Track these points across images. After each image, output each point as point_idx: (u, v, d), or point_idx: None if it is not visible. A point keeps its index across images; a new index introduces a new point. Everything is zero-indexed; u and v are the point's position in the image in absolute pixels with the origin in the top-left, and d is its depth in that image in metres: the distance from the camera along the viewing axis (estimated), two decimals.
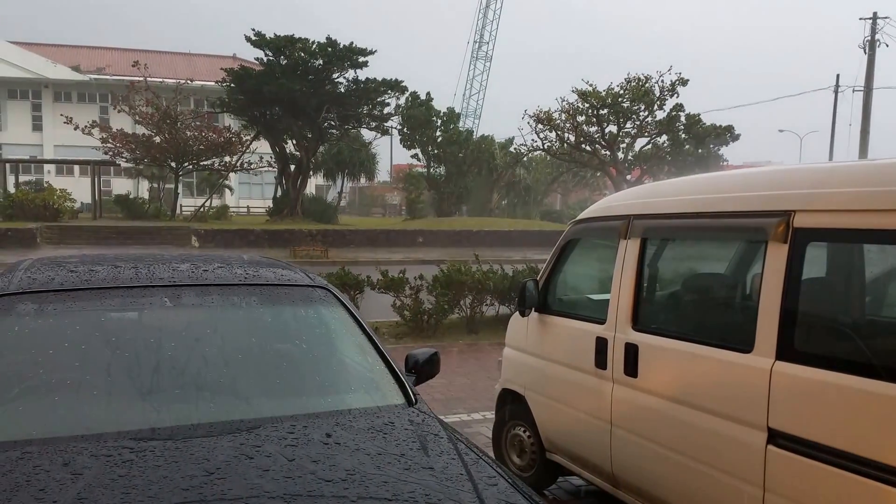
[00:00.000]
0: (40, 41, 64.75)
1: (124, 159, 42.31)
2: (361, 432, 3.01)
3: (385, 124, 43.13)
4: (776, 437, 3.49)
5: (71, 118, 40.98)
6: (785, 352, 3.48)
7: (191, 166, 42.83)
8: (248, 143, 42.23)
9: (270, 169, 44.04)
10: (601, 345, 4.72)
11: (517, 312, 5.81)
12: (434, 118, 46.55)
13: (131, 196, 45.15)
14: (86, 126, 39.84)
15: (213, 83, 45.22)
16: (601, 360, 4.72)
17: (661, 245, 4.73)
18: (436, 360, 4.08)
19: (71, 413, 3.03)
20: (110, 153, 41.33)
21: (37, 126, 61.27)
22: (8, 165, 44.68)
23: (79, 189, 44.49)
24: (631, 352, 4.45)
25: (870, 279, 3.78)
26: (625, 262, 4.65)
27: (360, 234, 34.89)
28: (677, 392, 4.11)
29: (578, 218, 5.41)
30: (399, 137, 47.00)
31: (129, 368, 3.30)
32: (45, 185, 43.57)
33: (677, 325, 4.58)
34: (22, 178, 45.66)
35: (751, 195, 3.86)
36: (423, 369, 4.01)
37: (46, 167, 55.34)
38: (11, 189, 39.60)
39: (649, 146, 40.67)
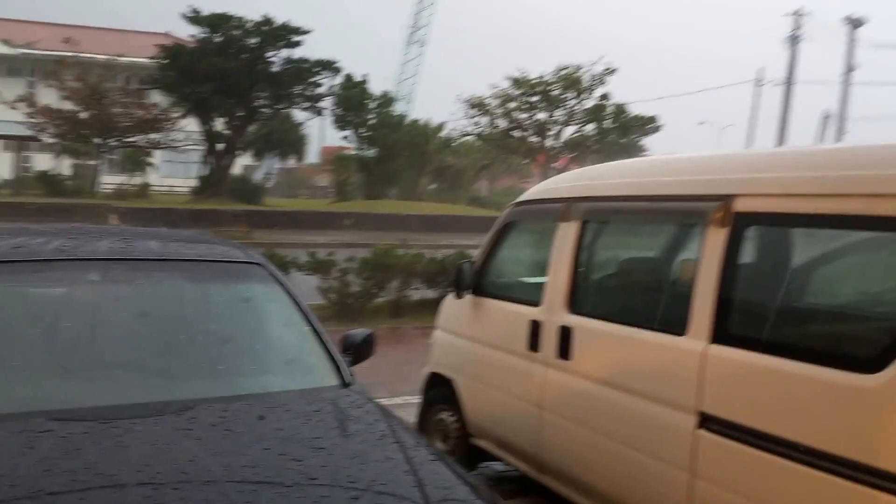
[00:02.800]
0: None
1: (49, 135, 40.93)
2: (296, 414, 2.92)
3: (318, 105, 42.59)
4: (706, 421, 3.42)
5: None
6: (719, 335, 3.42)
7: (116, 143, 41.65)
8: (176, 120, 41.24)
9: (197, 147, 43.08)
10: (535, 328, 4.60)
11: (451, 295, 5.64)
12: (368, 101, 46.11)
13: (53, 173, 43.64)
14: (11, 101, 38.35)
15: (144, 59, 44.02)
16: (534, 342, 4.60)
17: (600, 228, 4.64)
18: (371, 341, 3.97)
19: None
20: (36, 128, 39.92)
21: None
22: None
23: None
24: (565, 335, 4.35)
25: (805, 264, 3.77)
26: (563, 245, 4.54)
27: (287, 216, 34.31)
28: (610, 375, 4.04)
29: (518, 200, 5.29)
30: (332, 119, 46.37)
31: (53, 346, 3.15)
32: None
33: (613, 308, 4.51)
34: None
35: (691, 179, 3.79)
36: (359, 350, 3.89)
37: None
38: None
39: (577, 134, 40.96)
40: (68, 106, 39.84)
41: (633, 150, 40.71)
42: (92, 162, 44.66)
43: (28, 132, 40.62)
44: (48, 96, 44.71)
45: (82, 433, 2.53)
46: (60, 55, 42.17)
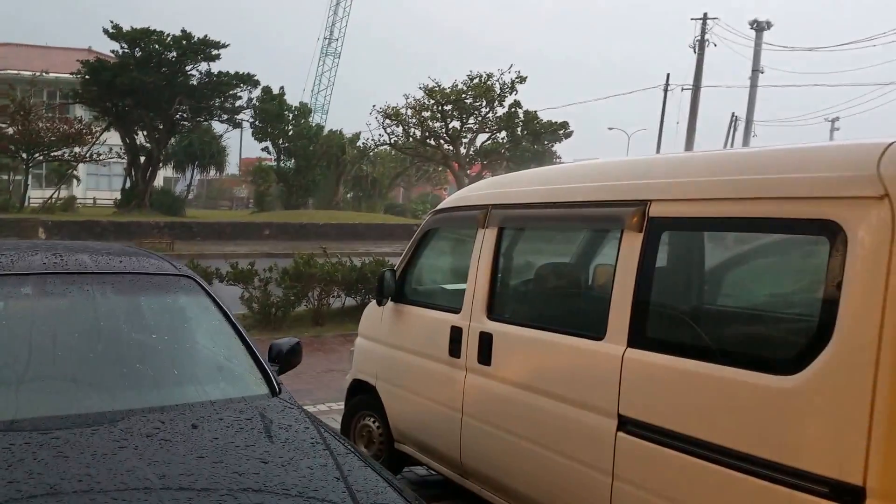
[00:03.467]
0: None
1: None
2: (228, 423, 2.88)
3: (237, 117, 42.07)
4: (626, 424, 3.32)
5: None
6: (636, 339, 3.31)
7: (41, 157, 40.26)
8: (99, 134, 40.06)
9: (120, 160, 41.95)
10: (455, 334, 4.45)
11: (373, 302, 5.47)
12: (286, 112, 45.52)
13: None
14: None
15: (67, 75, 42.68)
16: (455, 348, 4.45)
17: (518, 234, 4.52)
18: (298, 350, 3.90)
19: None
20: None
21: None
22: None
23: None
24: (485, 340, 4.21)
25: (719, 267, 3.72)
26: (482, 252, 4.41)
27: (208, 227, 33.55)
28: (530, 380, 3.91)
29: (438, 207, 5.14)
30: (251, 131, 45.64)
31: None
32: None
33: (532, 313, 4.39)
34: None
35: (607, 185, 3.68)
36: (287, 359, 3.82)
37: None
38: None
39: (490, 142, 41.11)
40: None
41: (546, 157, 41.14)
42: (18, 177, 43.10)
43: None
44: None
45: (22, 444, 2.48)
46: None
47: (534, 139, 40.43)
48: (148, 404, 2.97)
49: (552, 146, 43.21)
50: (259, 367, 3.43)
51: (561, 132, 41.18)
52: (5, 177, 46.06)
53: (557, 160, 42.34)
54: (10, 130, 37.52)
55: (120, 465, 2.40)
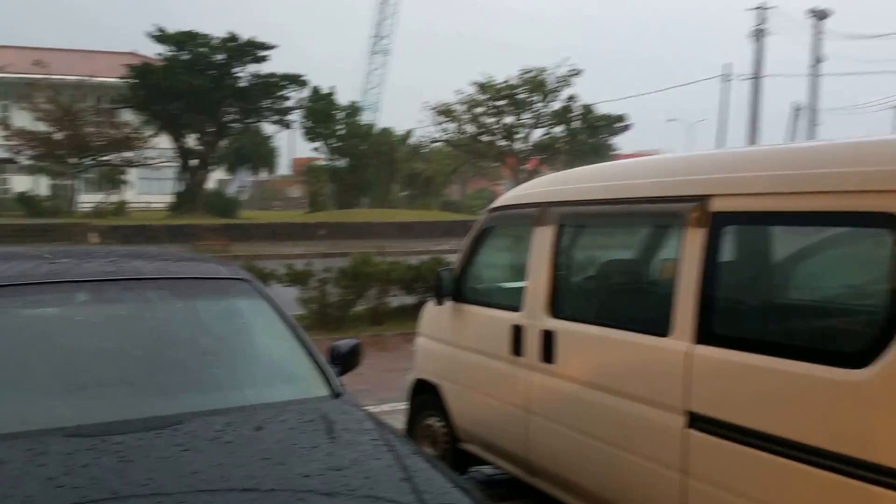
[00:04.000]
0: None
1: (25, 157, 40.50)
2: (290, 425, 2.93)
3: (286, 118, 42.50)
4: (696, 421, 3.36)
5: None
6: (702, 335, 3.35)
7: (91, 162, 41.30)
8: (149, 138, 40.93)
9: (171, 164, 42.81)
10: (517, 332, 4.53)
11: (432, 302, 5.57)
12: (336, 112, 45.92)
13: (31, 194, 43.12)
14: None
15: (113, 79, 43.71)
16: (517, 347, 4.53)
17: (576, 232, 4.57)
18: (359, 351, 3.95)
19: (3, 411, 2.90)
20: (12, 151, 39.54)
21: None
22: None
23: None
24: (547, 338, 4.28)
25: (786, 261, 3.73)
26: (540, 250, 4.47)
27: (262, 228, 34.11)
28: (595, 377, 3.97)
29: (493, 206, 5.22)
30: (302, 131, 46.14)
31: (54, 366, 3.18)
32: None
33: (593, 310, 4.44)
34: None
35: (667, 181, 3.73)
36: (347, 360, 3.88)
37: None
38: None
39: (546, 136, 40.94)
40: (42, 127, 39.61)
41: (603, 150, 40.82)
42: (68, 182, 44.28)
43: (4, 154, 40.18)
44: (22, 119, 44.33)
45: (86, 449, 2.55)
46: (31, 78, 41.81)
47: (590, 133, 40.11)
48: (210, 407, 3.03)
49: (610, 139, 42.85)
50: (319, 368, 3.47)
51: (618, 125, 40.78)
52: (56, 182, 47.47)
53: (615, 154, 42.02)
54: (59, 136, 38.53)
55: (184, 468, 2.46)
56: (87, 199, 45.31)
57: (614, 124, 40.61)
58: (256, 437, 2.79)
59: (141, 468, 2.43)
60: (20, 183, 51.93)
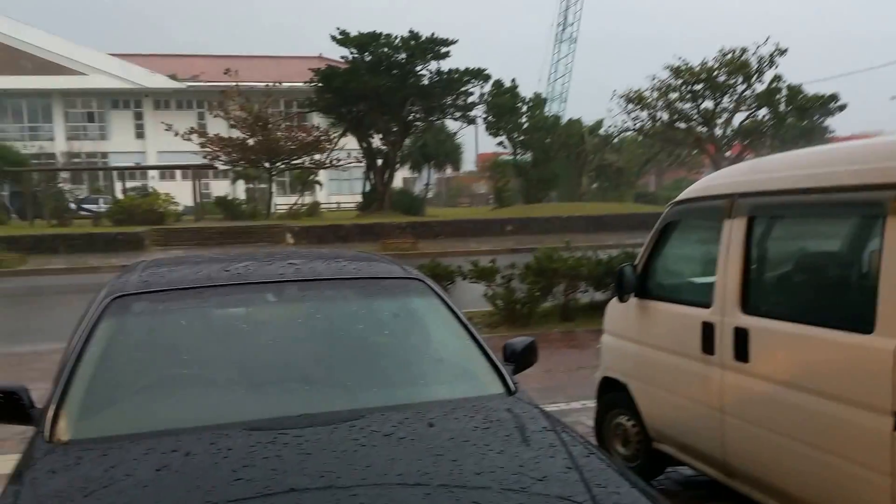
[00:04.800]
0: (139, 52, 66.97)
1: (221, 162, 43.59)
2: (464, 422, 2.99)
3: (469, 114, 43.03)
4: None
5: (170, 125, 42.49)
6: None
7: (283, 166, 43.77)
8: (336, 140, 42.78)
9: (358, 165, 44.53)
10: (708, 330, 4.48)
11: (615, 298, 5.61)
12: (519, 105, 46.06)
13: (229, 197, 46.26)
14: (184, 132, 41.29)
15: (301, 84, 46.02)
16: (708, 345, 4.48)
17: (770, 224, 4.45)
18: (533, 349, 3.96)
19: (190, 406, 3.16)
20: (208, 157, 42.75)
21: (139, 134, 63.53)
22: (115, 173, 46.74)
23: (181, 192, 45.76)
24: (741, 336, 4.21)
25: None
26: (730, 243, 4.40)
27: (449, 225, 34.88)
28: (794, 377, 3.88)
29: (677, 199, 5.18)
30: (484, 126, 46.70)
31: (240, 362, 3.44)
32: (150, 190, 45.12)
33: (790, 307, 4.30)
34: (128, 185, 47.43)
35: (866, 168, 3.59)
36: (521, 358, 3.90)
37: (150, 173, 57.15)
38: (119, 195, 41.19)
39: (749, 121, 39.23)
40: (236, 133, 42.27)
41: (815, 133, 38.64)
42: (263, 185, 47.03)
43: (203, 161, 43.35)
44: (217, 125, 47.71)
45: (267, 443, 2.70)
46: (223, 86, 44.66)
47: (799, 115, 37.98)
48: (385, 403, 3.14)
49: (822, 121, 40.42)
50: (494, 366, 3.53)
51: (830, 105, 38.36)
52: (251, 186, 50.60)
53: (830, 136, 39.64)
54: (251, 141, 40.98)
55: (360, 461, 2.56)
56: (281, 202, 47.99)
57: (826, 105, 38.20)
58: (430, 434, 2.86)
59: (318, 462, 2.56)
60: (218, 187, 56.00)
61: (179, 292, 3.62)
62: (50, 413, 2.94)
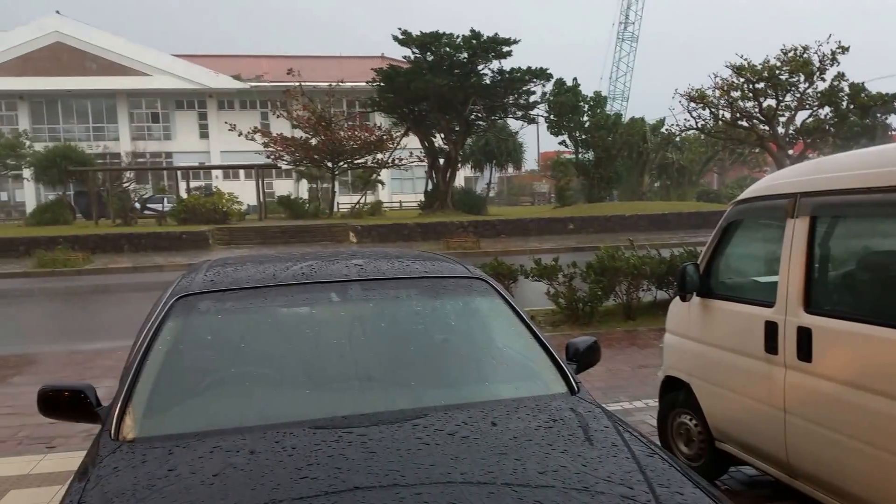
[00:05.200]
0: (203, 53, 68.36)
1: (285, 162, 44.21)
2: (527, 421, 3.00)
3: (531, 113, 42.96)
4: None
5: (234, 125, 43.32)
6: None
7: (346, 165, 44.17)
8: (399, 139, 43.06)
9: (420, 164, 44.76)
10: (771, 329, 4.49)
11: (677, 297, 5.64)
12: (581, 103, 45.83)
13: (292, 196, 46.90)
14: (248, 132, 41.98)
15: (363, 84, 46.47)
16: (771, 344, 4.49)
17: (833, 223, 4.44)
18: (596, 349, 3.98)
19: (256, 404, 3.20)
20: (272, 156, 43.45)
21: (203, 134, 64.81)
22: (179, 172, 47.70)
23: (244, 191, 46.60)
24: (804, 336, 4.22)
25: None
26: (793, 243, 4.41)
27: (511, 224, 34.80)
28: (858, 377, 3.86)
29: (739, 198, 5.19)
30: (546, 125, 46.59)
31: (304, 361, 3.47)
32: (214, 189, 45.93)
33: (854, 306, 4.29)
34: (192, 184, 48.29)
35: None
36: (584, 358, 3.91)
37: (214, 172, 58.29)
38: (183, 194, 42.08)
39: (811, 119, 38.53)
40: (299, 133, 42.81)
41: (878, 131, 37.73)
42: (326, 185, 47.55)
43: (266, 160, 43.99)
44: (280, 125, 48.45)
45: (332, 441, 2.74)
46: (286, 86, 45.35)
47: (862, 113, 37.13)
48: (448, 402, 3.15)
49: (885, 119, 39.42)
50: (556, 365, 3.53)
51: (894, 103, 37.38)
52: (314, 185, 51.20)
53: (892, 135, 38.64)
54: (314, 141, 41.53)
55: (423, 460, 2.57)
56: (344, 201, 48.46)
57: (891, 102, 37.24)
58: (494, 433, 2.86)
59: (383, 460, 2.57)
60: (281, 187, 56.84)
61: (244, 292, 3.68)
62: (116, 411, 3.02)
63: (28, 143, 48.70)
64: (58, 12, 61.93)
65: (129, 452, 2.74)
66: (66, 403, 3.25)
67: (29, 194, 59.04)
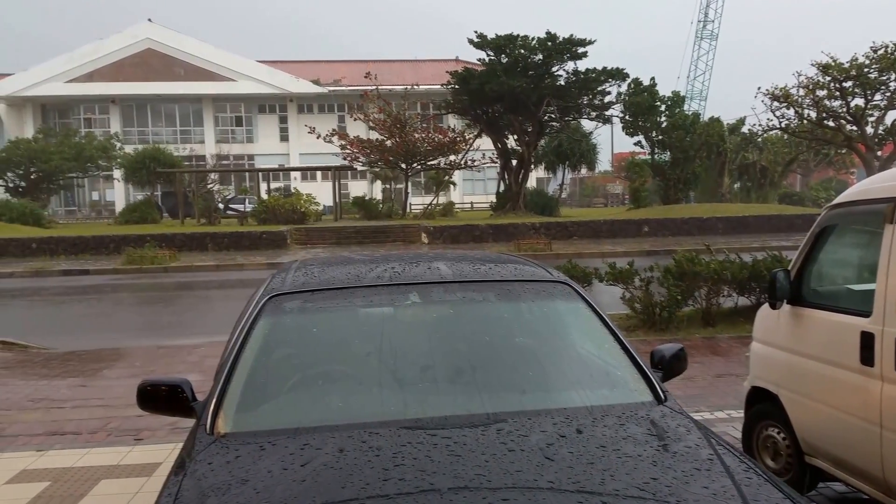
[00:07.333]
0: (284, 58, 69.82)
1: (360, 163, 44.88)
2: (614, 429, 2.91)
3: (606, 113, 42.54)
4: None
5: (313, 128, 44.21)
6: None
7: (419, 166, 44.57)
8: (472, 141, 43.14)
9: (493, 165, 44.79)
10: (867, 340, 4.25)
11: (766, 305, 5.40)
12: (658, 103, 45.07)
13: (367, 197, 47.42)
14: (326, 135, 42.73)
15: (437, 86, 46.79)
16: (867, 356, 4.25)
17: None
18: (683, 357, 3.82)
19: (341, 403, 3.23)
20: (348, 158, 44.15)
21: (283, 137, 66.35)
22: (260, 174, 48.77)
23: (321, 192, 47.30)
24: None
25: None
26: (892, 249, 4.16)
27: (583, 226, 34.34)
28: None
29: (834, 203, 4.94)
30: (621, 125, 45.99)
31: (388, 362, 3.48)
32: (293, 190, 46.83)
33: None
34: (272, 185, 49.31)
35: None
36: (670, 366, 3.77)
37: (293, 174, 59.47)
38: (264, 195, 43.01)
39: None
40: (375, 135, 43.48)
41: None
42: (400, 186, 48.09)
43: (342, 162, 44.77)
44: (356, 128, 49.23)
45: (417, 443, 2.73)
46: (363, 89, 46.20)
47: None
48: (532, 407, 3.12)
49: None
50: (642, 373, 3.43)
51: None
52: (388, 186, 51.91)
53: None
54: (389, 143, 42.16)
55: (509, 465, 2.53)
56: (416, 202, 48.89)
57: None
58: (578, 440, 2.80)
59: (468, 463, 2.55)
60: (356, 188, 57.64)
61: (332, 292, 3.73)
62: (211, 406, 3.07)
63: (119, 145, 50.67)
64: (150, 20, 63.92)
65: (223, 447, 2.80)
66: (163, 398, 3.35)
67: (119, 194, 61.34)
